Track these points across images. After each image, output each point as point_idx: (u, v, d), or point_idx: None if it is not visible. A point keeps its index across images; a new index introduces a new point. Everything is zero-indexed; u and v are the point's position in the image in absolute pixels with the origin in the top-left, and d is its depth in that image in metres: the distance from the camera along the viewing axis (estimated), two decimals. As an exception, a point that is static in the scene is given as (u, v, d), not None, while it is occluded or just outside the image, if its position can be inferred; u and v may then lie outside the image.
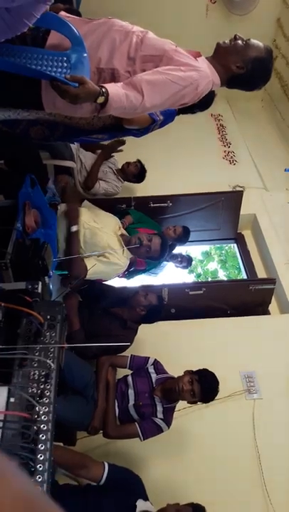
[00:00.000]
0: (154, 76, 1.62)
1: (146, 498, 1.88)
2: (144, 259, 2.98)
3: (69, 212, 2.59)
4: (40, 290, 1.55)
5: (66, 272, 2.71)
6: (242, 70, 1.75)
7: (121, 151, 3.33)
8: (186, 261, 3.68)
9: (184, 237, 3.52)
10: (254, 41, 1.75)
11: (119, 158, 3.71)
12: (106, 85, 1.55)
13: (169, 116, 2.00)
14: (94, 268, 2.46)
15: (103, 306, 2.72)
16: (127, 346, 2.48)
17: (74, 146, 3.30)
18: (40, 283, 1.57)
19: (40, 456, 1.22)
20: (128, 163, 3.64)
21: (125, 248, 2.65)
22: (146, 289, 2.95)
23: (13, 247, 1.73)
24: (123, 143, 3.19)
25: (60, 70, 1.53)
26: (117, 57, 1.64)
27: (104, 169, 3.53)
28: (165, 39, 1.72)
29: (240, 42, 1.74)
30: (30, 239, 1.88)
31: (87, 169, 3.39)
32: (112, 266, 2.57)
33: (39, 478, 1.19)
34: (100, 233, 2.56)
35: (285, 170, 4.03)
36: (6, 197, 2.11)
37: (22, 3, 1.18)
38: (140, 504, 1.82)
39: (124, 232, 2.89)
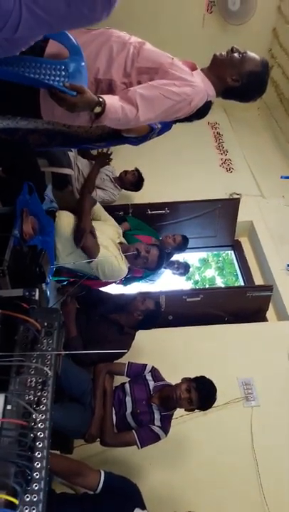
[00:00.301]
0: (149, 90, 1.64)
1: (143, 507, 1.87)
2: (140, 269, 2.98)
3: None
4: (37, 297, 1.55)
5: (64, 278, 2.71)
6: (237, 82, 1.77)
7: (110, 160, 3.31)
8: (183, 268, 3.69)
9: (183, 245, 3.54)
10: (251, 54, 1.77)
11: (117, 166, 3.72)
12: (103, 96, 1.57)
13: (166, 124, 2.02)
14: (106, 256, 2.44)
15: (100, 313, 2.72)
16: (125, 352, 2.47)
17: (72, 154, 3.31)
18: (37, 290, 1.56)
19: (37, 464, 1.21)
20: (126, 172, 3.66)
21: (123, 256, 2.65)
22: (144, 295, 2.96)
23: (10, 254, 1.72)
24: (108, 155, 3.18)
25: (58, 78, 1.54)
26: (114, 68, 1.66)
27: (101, 177, 3.54)
28: (162, 51, 1.74)
29: (236, 55, 1.76)
30: (28, 246, 1.88)
31: (85, 176, 3.40)
32: (116, 267, 2.57)
33: (36, 486, 1.18)
34: (100, 241, 2.56)
35: (281, 177, 4.06)
36: (3, 204, 2.11)
37: (23, 35, 1.20)
38: None
39: (123, 240, 2.90)
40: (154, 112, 1.67)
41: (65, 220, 2.56)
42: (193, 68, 1.81)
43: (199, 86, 1.73)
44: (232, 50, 1.77)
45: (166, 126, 2.01)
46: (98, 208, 2.79)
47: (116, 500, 1.82)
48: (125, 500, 1.85)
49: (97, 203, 2.81)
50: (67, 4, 1.12)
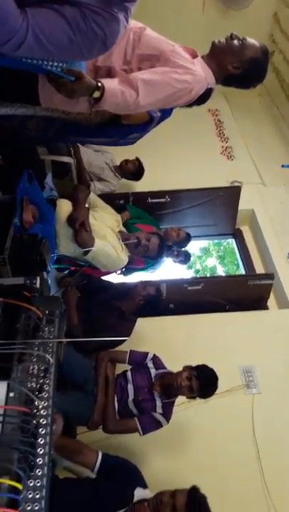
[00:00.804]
0: (151, 76, 1.64)
1: (145, 486, 1.88)
2: (141, 258, 2.97)
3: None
4: (38, 285, 1.55)
5: (65, 266, 2.71)
6: (238, 70, 1.77)
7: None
8: (184, 255, 3.67)
9: (185, 242, 3.55)
10: (250, 40, 1.76)
11: (117, 155, 3.70)
12: (102, 80, 1.56)
13: (166, 111, 2.00)
14: (102, 247, 2.44)
15: (102, 300, 2.72)
16: (126, 339, 2.48)
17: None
18: (38, 278, 1.56)
19: (40, 450, 1.22)
20: (126, 161, 3.64)
21: (123, 245, 2.65)
22: (146, 282, 2.95)
23: (11, 242, 1.72)
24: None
25: (56, 63, 1.52)
26: (114, 55, 1.64)
27: (101, 166, 3.52)
28: (163, 38, 1.72)
29: (236, 41, 1.75)
30: (28, 234, 1.87)
31: (85, 164, 3.38)
32: (115, 256, 2.57)
33: (39, 471, 1.19)
34: (98, 230, 2.56)
35: (282, 166, 4.03)
36: (3, 192, 2.10)
37: (22, 54, 1.24)
38: (138, 492, 1.82)
39: (123, 229, 2.89)
40: (154, 97, 1.66)
41: (65, 209, 2.55)
42: (194, 55, 1.80)
43: (200, 75, 1.72)
44: (231, 37, 1.76)
45: (166, 113, 1.99)
46: (94, 198, 2.78)
47: (116, 481, 1.84)
48: (125, 480, 1.87)
49: (92, 192, 2.79)
50: (69, 41, 1.23)
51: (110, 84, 1.57)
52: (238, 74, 1.78)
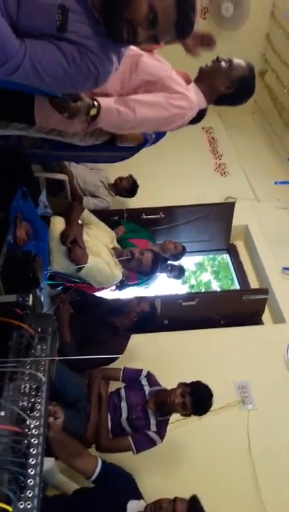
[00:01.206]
0: (147, 98, 1.69)
1: (139, 497, 1.84)
2: (135, 273, 2.98)
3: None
4: (31, 302, 1.55)
5: (58, 283, 2.71)
6: (230, 89, 1.85)
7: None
8: (177, 270, 3.68)
9: (180, 254, 3.57)
10: (237, 60, 1.86)
11: (111, 172, 3.73)
12: (98, 99, 1.60)
13: (160, 134, 2.05)
14: (95, 264, 2.44)
15: (95, 316, 2.71)
16: (119, 356, 2.47)
17: (66, 159, 3.32)
18: (31, 295, 1.56)
19: (31, 471, 1.20)
20: (120, 178, 3.68)
21: (117, 261, 2.65)
22: (140, 298, 2.95)
23: (3, 259, 1.73)
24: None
25: None
26: (111, 81, 1.67)
27: (95, 183, 3.55)
28: (160, 64, 1.77)
29: (223, 63, 1.83)
30: (22, 251, 1.88)
31: (79, 182, 3.41)
32: (108, 272, 2.57)
33: (29, 493, 1.17)
34: (92, 246, 2.56)
35: (275, 183, 4.07)
36: (-3, 210, 2.11)
37: (18, 80, 1.26)
38: (132, 505, 1.79)
39: (117, 245, 2.90)
40: (150, 119, 1.71)
41: (59, 226, 2.56)
42: (187, 81, 1.87)
43: (194, 101, 1.81)
44: (217, 60, 1.85)
45: (160, 135, 2.04)
46: (88, 214, 2.79)
47: (109, 492, 1.80)
48: (119, 492, 1.83)
49: (85, 209, 2.81)
50: (64, 72, 1.26)
51: (106, 102, 1.61)
52: (230, 93, 1.87)
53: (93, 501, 1.76)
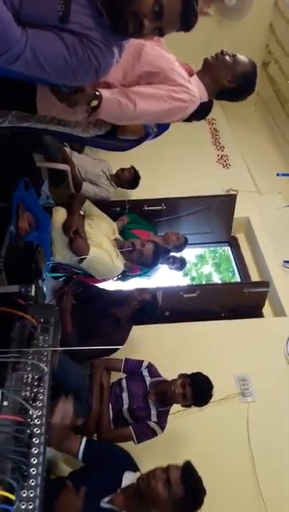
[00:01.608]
0: (148, 90, 1.69)
1: (136, 470, 1.85)
2: (136, 265, 2.97)
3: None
4: (33, 293, 1.55)
5: (60, 275, 2.71)
6: (232, 83, 1.86)
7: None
8: (179, 262, 3.68)
9: (183, 245, 3.56)
10: (240, 56, 1.87)
11: (113, 163, 3.71)
12: (100, 90, 1.59)
13: (163, 126, 2.04)
14: (97, 255, 2.44)
15: (97, 307, 2.72)
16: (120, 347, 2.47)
17: (67, 150, 3.30)
18: (33, 286, 1.57)
19: (34, 460, 1.22)
20: (122, 169, 3.66)
21: (119, 252, 2.65)
22: (138, 291, 2.94)
23: (6, 249, 1.72)
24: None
25: None
26: (113, 71, 1.66)
27: (97, 173, 3.53)
28: (162, 55, 1.75)
29: (227, 57, 1.84)
30: (24, 242, 1.88)
31: (81, 171, 3.40)
32: (110, 264, 2.57)
33: (32, 482, 1.18)
34: (94, 238, 2.56)
35: (277, 174, 4.05)
36: (-1, 200, 2.10)
37: (19, 70, 1.26)
38: (128, 476, 1.79)
39: (119, 236, 2.90)
40: (150, 111, 1.71)
41: (61, 216, 2.56)
42: (190, 73, 1.87)
43: (196, 95, 1.81)
44: (222, 53, 1.86)
45: (163, 128, 2.03)
46: (89, 206, 2.78)
47: (103, 467, 1.80)
48: (113, 465, 1.83)
49: (87, 200, 2.80)
50: (65, 62, 1.26)
51: (107, 93, 1.61)
52: (232, 87, 1.88)
53: (89, 477, 1.76)
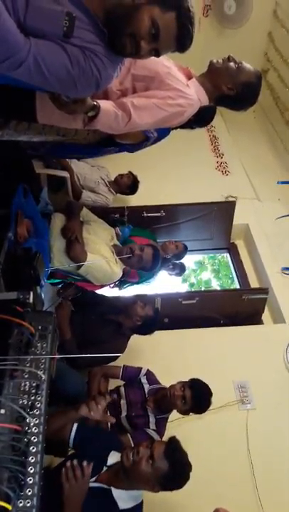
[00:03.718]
0: (143, 101, 1.69)
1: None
2: (136, 270, 2.97)
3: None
4: (31, 300, 1.54)
5: (59, 281, 2.70)
6: (232, 91, 1.83)
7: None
8: (179, 268, 3.68)
9: (182, 253, 3.55)
10: (246, 65, 1.83)
11: (112, 169, 3.72)
12: (99, 101, 1.60)
13: (163, 131, 2.04)
14: (95, 261, 2.43)
15: (96, 313, 2.71)
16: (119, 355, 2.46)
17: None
18: (31, 293, 1.56)
19: (31, 469, 1.20)
20: (121, 175, 3.66)
21: (118, 259, 2.64)
22: (144, 299, 2.92)
23: (4, 256, 1.72)
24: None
25: None
26: None
27: (96, 180, 3.54)
28: (158, 59, 1.75)
29: (232, 64, 1.81)
30: (22, 248, 1.87)
31: (80, 178, 3.40)
32: (108, 270, 2.56)
33: (29, 491, 1.17)
34: (92, 244, 2.56)
35: (278, 182, 4.06)
36: (-2, 206, 2.10)
37: (21, 78, 1.27)
38: (113, 456, 1.79)
39: (117, 242, 2.89)
40: (146, 120, 1.71)
41: (60, 223, 2.56)
42: (189, 76, 1.85)
43: (193, 98, 1.78)
44: (228, 59, 1.82)
45: (163, 133, 2.03)
46: (86, 212, 2.79)
47: (92, 450, 1.80)
48: (99, 447, 1.83)
49: (84, 208, 2.80)
50: (67, 72, 1.28)
51: (105, 105, 1.62)
52: (231, 95, 1.85)
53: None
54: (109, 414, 2.30)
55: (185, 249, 3.53)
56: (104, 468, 1.76)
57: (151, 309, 2.64)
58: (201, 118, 2.01)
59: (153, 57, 1.71)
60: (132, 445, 2.19)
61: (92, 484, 1.70)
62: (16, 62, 1.20)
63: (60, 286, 2.80)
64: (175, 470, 1.69)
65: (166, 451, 1.70)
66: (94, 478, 1.72)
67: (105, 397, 1.89)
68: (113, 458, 1.80)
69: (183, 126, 2.03)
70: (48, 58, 1.24)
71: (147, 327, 2.64)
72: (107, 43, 1.31)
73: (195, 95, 1.80)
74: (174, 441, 1.78)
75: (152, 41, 1.30)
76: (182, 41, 1.36)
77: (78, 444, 1.85)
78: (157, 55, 1.37)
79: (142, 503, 1.80)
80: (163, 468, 1.66)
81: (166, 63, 1.76)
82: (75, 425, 1.87)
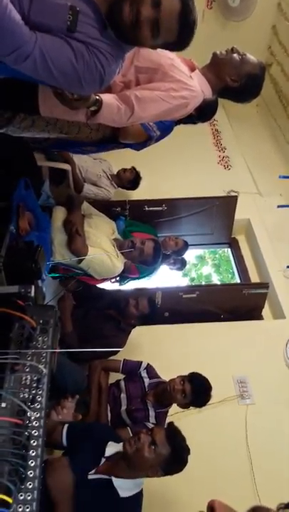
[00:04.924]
0: (146, 93, 1.67)
1: (118, 441, 1.88)
2: (137, 264, 2.96)
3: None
4: (33, 294, 1.54)
5: (60, 275, 2.70)
6: (236, 82, 1.81)
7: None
8: (180, 262, 3.67)
9: (183, 250, 3.54)
10: (249, 56, 1.81)
11: (114, 163, 3.70)
12: (101, 95, 1.59)
13: (166, 128, 2.03)
14: (96, 255, 2.43)
15: (97, 308, 2.71)
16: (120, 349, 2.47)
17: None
18: (33, 286, 1.55)
19: (31, 462, 1.21)
20: (124, 170, 3.65)
21: (119, 252, 2.64)
22: (138, 293, 2.92)
23: (6, 249, 1.71)
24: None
25: None
26: None
27: (98, 173, 3.52)
28: (162, 50, 1.74)
29: (236, 55, 1.79)
30: (24, 242, 1.87)
31: (81, 171, 3.39)
32: (109, 264, 2.56)
33: (30, 484, 1.17)
34: (93, 237, 2.55)
35: (280, 177, 4.04)
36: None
37: (27, 72, 1.27)
38: (111, 446, 1.82)
39: (118, 236, 2.89)
40: (149, 113, 1.70)
41: (61, 216, 2.55)
42: (192, 68, 1.83)
43: (197, 90, 1.76)
44: (232, 50, 1.80)
45: (166, 130, 2.02)
46: (87, 206, 2.78)
47: (86, 443, 1.82)
48: (94, 439, 1.86)
49: (85, 202, 2.79)
50: (72, 67, 1.28)
51: (107, 99, 1.61)
52: (235, 87, 1.83)
53: (73, 456, 1.78)
54: (109, 408, 2.32)
55: (185, 246, 3.52)
56: (103, 460, 1.78)
57: (146, 305, 2.61)
58: (203, 113, 2.00)
59: (157, 50, 1.71)
60: None
61: (91, 476, 1.71)
62: (22, 54, 1.20)
63: (60, 280, 2.81)
64: (177, 454, 1.74)
65: (168, 436, 1.75)
66: (93, 471, 1.73)
67: (73, 398, 1.93)
68: (111, 449, 1.82)
69: (185, 122, 2.02)
70: (54, 52, 1.24)
71: (145, 320, 2.64)
72: (113, 33, 1.29)
73: (198, 87, 1.78)
74: (173, 427, 1.83)
75: (153, 8, 1.25)
76: (185, 18, 1.30)
77: (72, 443, 1.86)
78: (157, 32, 1.30)
79: (142, 490, 1.83)
80: (165, 453, 1.71)
81: (170, 55, 1.74)
82: (66, 426, 1.89)
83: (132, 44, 1.39)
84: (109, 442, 1.84)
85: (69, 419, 1.90)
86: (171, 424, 1.86)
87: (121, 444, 1.83)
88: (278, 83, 4.71)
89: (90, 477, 1.71)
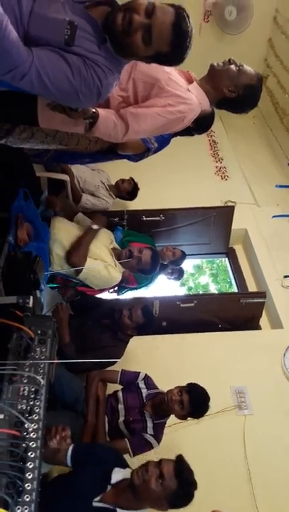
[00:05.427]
0: (142, 110, 1.70)
1: (124, 466, 1.85)
2: (135, 273, 2.97)
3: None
4: (31, 304, 1.54)
5: (58, 285, 2.70)
6: (233, 93, 1.83)
7: None
8: (177, 272, 3.68)
9: (180, 260, 3.54)
10: (247, 67, 1.83)
11: (112, 173, 3.73)
12: (100, 110, 1.61)
13: (164, 140, 2.05)
14: (94, 266, 2.43)
15: (95, 318, 2.70)
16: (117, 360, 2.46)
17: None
18: (31, 297, 1.56)
19: (29, 475, 1.20)
20: (122, 180, 3.67)
21: (117, 262, 2.64)
22: (133, 303, 2.89)
23: (4, 260, 1.72)
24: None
25: None
26: None
27: (96, 184, 3.54)
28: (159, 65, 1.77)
29: (233, 67, 1.81)
30: (22, 252, 1.87)
31: (80, 181, 3.41)
32: (106, 275, 2.56)
33: (27, 497, 1.17)
34: (93, 248, 2.56)
35: (276, 186, 4.07)
36: (-2, 210, 2.11)
37: (25, 88, 1.30)
38: (117, 472, 1.79)
39: (116, 245, 2.89)
40: (145, 128, 1.72)
41: (60, 227, 2.56)
42: (189, 80, 1.85)
43: (194, 103, 1.78)
44: (229, 62, 1.82)
45: (164, 142, 2.04)
46: (82, 218, 2.79)
47: (91, 466, 1.79)
48: (100, 464, 1.82)
49: (80, 213, 2.80)
50: (69, 83, 1.30)
51: (104, 114, 1.63)
52: (232, 98, 1.85)
53: (76, 478, 1.75)
54: (107, 419, 2.30)
55: (183, 256, 3.52)
56: (109, 487, 1.74)
57: (140, 316, 2.57)
58: (200, 125, 2.01)
59: (154, 64, 1.73)
60: (131, 451, 2.19)
61: (96, 504, 1.68)
62: (18, 74, 1.23)
63: (55, 290, 2.80)
64: (183, 488, 1.71)
65: (176, 469, 1.71)
66: (98, 498, 1.70)
67: (64, 430, 1.83)
68: (118, 475, 1.78)
69: (182, 134, 2.04)
70: (51, 71, 1.26)
71: (142, 330, 2.63)
72: (103, 30, 1.32)
73: (196, 99, 1.79)
74: (182, 460, 1.79)
75: (146, 17, 1.29)
76: (178, 28, 1.33)
77: (76, 461, 1.83)
78: (149, 39, 1.32)
79: None
80: (172, 487, 1.67)
81: (167, 69, 1.76)
82: (71, 447, 1.84)
83: (126, 53, 1.40)
84: (115, 468, 1.81)
85: (65, 446, 1.83)
86: (180, 457, 1.80)
87: (127, 470, 1.81)
88: (274, 95, 4.77)
89: (94, 504, 1.68)
